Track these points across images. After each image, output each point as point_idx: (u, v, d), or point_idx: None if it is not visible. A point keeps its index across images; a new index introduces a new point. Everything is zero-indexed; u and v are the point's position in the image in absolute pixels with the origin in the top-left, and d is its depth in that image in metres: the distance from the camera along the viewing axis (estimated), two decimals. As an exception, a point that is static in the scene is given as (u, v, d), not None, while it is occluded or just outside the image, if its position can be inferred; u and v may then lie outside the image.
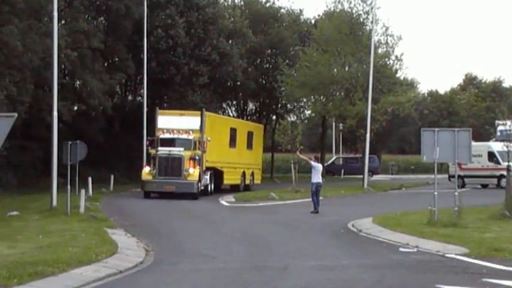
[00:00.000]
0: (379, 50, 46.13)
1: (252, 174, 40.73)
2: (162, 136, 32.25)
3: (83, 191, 24.76)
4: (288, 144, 40.85)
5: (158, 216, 24.53)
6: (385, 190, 42.19)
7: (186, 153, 31.40)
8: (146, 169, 32.20)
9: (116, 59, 47.46)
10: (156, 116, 33.69)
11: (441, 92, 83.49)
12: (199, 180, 31.70)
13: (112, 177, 38.68)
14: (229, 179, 37.43)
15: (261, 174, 44.31)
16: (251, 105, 64.77)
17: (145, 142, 35.39)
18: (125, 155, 46.58)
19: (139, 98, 50.31)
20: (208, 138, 32.64)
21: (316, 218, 23.06)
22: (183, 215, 25.06)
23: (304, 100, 57.29)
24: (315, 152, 48.74)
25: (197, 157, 31.53)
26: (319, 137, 65.42)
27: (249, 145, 40.69)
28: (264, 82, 59.12)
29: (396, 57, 46.97)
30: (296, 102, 58.90)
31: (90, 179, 32.39)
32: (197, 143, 31.94)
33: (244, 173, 38.92)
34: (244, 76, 52.58)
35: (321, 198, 25.27)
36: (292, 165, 39.15)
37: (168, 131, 32.48)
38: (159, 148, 31.44)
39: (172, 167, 30.91)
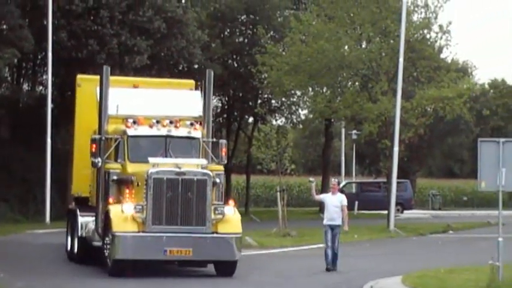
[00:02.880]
0: (415, 17, 46.55)
1: None
2: (133, 133, 22.31)
3: None
4: (271, 162, 40.69)
5: (72, 268, 24.01)
6: (422, 234, 42.21)
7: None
8: (125, 208, 20.66)
9: (4, 27, 47.26)
10: (103, 88, 22.73)
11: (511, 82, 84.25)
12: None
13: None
14: None
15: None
16: (215, 101, 64.90)
17: (89, 147, 22.49)
18: (18, 177, 46.64)
19: (41, 87, 50.37)
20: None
21: (315, 277, 23.06)
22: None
23: (298, 93, 57.47)
24: (312, 174, 48.95)
25: (218, 180, 22.42)
26: (320, 151, 65.76)
27: None
28: (235, 65, 59.45)
29: (441, 27, 47.36)
30: (285, 96, 58.69)
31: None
32: (206, 148, 23.23)
33: None
34: (205, 55, 52.71)
35: (322, 245, 25.35)
36: (278, 194, 39.16)
37: (141, 121, 22.59)
38: (152, 160, 21.12)
39: (186, 203, 20.77)
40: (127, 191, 21.04)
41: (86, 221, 23.15)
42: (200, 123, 23.29)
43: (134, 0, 47.45)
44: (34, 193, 45.88)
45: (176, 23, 48.91)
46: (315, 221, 41.79)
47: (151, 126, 22.35)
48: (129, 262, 20.54)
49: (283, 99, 60.23)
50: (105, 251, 21.02)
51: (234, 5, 57.99)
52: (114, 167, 21.82)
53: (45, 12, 43.08)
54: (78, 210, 24.03)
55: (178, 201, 20.53)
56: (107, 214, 20.93)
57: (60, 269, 23.98)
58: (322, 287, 21.08)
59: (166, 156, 21.77)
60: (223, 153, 23.24)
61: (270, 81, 51.05)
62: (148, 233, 20.27)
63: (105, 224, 21.11)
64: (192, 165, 21.20)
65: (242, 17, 59.88)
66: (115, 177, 21.60)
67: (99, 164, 21.85)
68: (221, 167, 22.80)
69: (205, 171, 21.15)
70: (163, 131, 22.36)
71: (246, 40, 59.86)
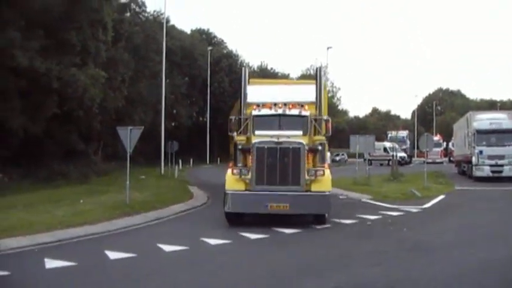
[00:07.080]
0: (329, 94, 46.13)
1: None
2: (256, 113, 10.28)
3: (176, 166, 25.60)
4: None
5: (217, 180, 23.50)
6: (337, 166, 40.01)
7: (305, 141, 9.56)
8: (232, 172, 9.46)
9: (194, 99, 47.49)
10: (243, 85, 10.60)
11: (361, 116, 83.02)
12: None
13: (191, 160, 38.24)
14: None
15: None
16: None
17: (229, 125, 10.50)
18: (197, 148, 45.85)
19: (205, 119, 50.62)
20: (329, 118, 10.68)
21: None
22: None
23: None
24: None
25: (320, 147, 9.80)
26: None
27: None
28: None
29: (338, 98, 47.33)
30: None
31: (180, 160, 31.93)
32: (314, 123, 10.22)
33: None
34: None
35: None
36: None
37: (266, 105, 10.38)
38: (256, 132, 9.92)
39: (282, 167, 9.18)
40: (248, 156, 9.70)
41: None
42: (313, 105, 10.52)
43: (235, 89, 45.50)
44: (203, 154, 45.41)
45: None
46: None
47: (269, 108, 10.28)
48: (237, 215, 9.57)
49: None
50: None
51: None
52: (239, 139, 10.02)
53: (206, 93, 43.61)
54: None
55: (275, 166, 9.23)
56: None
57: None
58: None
59: (280, 129, 9.90)
60: (327, 127, 10.42)
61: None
62: (252, 191, 9.26)
63: None
64: (290, 136, 9.62)
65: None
66: (240, 146, 9.82)
67: (235, 137, 10.18)
68: (323, 137, 10.13)
69: (299, 140, 9.47)
70: (278, 111, 10.21)
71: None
